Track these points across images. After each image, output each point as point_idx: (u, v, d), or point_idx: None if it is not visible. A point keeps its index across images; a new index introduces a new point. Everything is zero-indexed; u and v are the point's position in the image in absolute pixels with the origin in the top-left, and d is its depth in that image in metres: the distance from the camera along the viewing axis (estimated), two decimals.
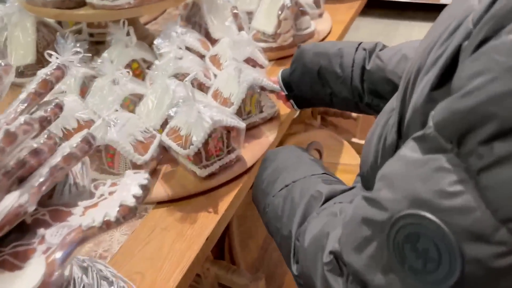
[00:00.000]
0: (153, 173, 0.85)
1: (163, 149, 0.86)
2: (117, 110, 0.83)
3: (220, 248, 1.14)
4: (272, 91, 0.94)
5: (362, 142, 1.48)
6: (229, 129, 0.82)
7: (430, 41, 0.45)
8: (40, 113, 0.47)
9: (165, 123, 0.87)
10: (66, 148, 0.42)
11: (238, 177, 0.85)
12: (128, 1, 0.97)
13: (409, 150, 0.38)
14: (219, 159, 0.83)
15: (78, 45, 0.97)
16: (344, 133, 1.71)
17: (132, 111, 0.92)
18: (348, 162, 1.38)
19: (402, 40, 3.52)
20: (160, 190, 0.81)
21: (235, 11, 1.18)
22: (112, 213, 0.40)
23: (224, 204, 0.80)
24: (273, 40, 1.20)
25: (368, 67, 0.79)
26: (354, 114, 1.50)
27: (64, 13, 1.00)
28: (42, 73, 0.50)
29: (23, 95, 0.48)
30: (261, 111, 0.95)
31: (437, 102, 0.37)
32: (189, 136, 0.79)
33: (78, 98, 0.88)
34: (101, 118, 0.76)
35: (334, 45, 0.85)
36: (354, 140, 1.46)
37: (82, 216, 0.41)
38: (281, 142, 1.40)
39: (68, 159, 0.41)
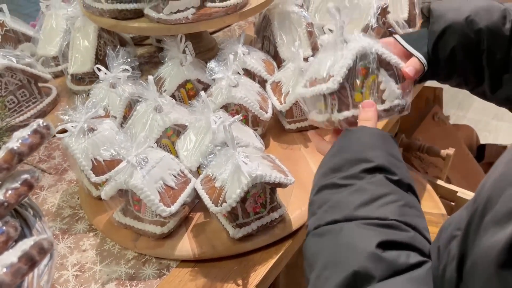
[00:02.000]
0: (184, 221, 0.74)
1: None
2: (151, 147, 0.73)
3: None
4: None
5: (449, 186, 1.25)
6: (274, 184, 0.68)
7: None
8: None
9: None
10: None
11: (280, 242, 0.71)
12: (186, 16, 0.86)
13: None
14: (258, 218, 0.70)
15: (129, 60, 0.90)
16: (431, 167, 1.48)
17: (175, 142, 0.81)
18: (428, 211, 1.17)
19: None
20: (186, 246, 0.70)
21: (309, 29, 1.02)
22: None
23: (257, 275, 0.67)
24: None
25: None
26: (443, 152, 1.27)
27: (119, 24, 0.92)
28: (15, 138, 0.40)
29: None
30: None
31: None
32: (223, 189, 0.66)
33: (115, 125, 0.79)
34: (125, 160, 0.67)
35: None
36: (439, 182, 1.24)
37: None
38: None
39: None
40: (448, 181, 1.47)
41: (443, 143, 1.46)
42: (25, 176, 0.39)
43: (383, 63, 0.63)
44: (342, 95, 0.62)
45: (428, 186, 1.20)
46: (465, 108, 2.50)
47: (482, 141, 1.91)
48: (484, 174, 1.63)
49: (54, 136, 0.77)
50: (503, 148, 1.73)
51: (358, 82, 0.62)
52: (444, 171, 1.29)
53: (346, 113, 0.62)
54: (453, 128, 1.60)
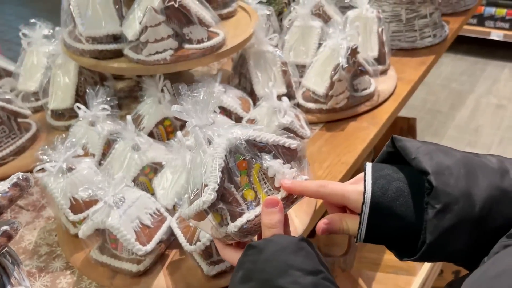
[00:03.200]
0: (160, 258, 0.76)
1: None
2: (128, 186, 0.75)
3: None
4: None
5: None
6: None
7: None
8: None
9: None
10: None
11: None
12: (164, 57, 0.90)
13: None
14: None
15: (108, 99, 0.93)
16: None
17: (152, 179, 0.84)
18: None
19: (488, 82, 3.20)
20: (162, 284, 0.72)
21: (284, 67, 1.07)
22: None
23: None
24: (324, 101, 1.08)
25: None
26: None
27: (100, 64, 0.95)
28: None
29: None
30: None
31: None
32: (197, 228, 0.69)
33: (93, 164, 0.82)
34: (103, 200, 0.69)
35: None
36: None
37: None
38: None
39: None
40: None
41: None
42: (5, 227, 0.41)
43: (261, 148, 0.55)
44: (229, 200, 0.53)
45: None
46: (440, 136, 2.59)
47: None
48: None
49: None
50: None
51: (241, 178, 0.53)
52: None
53: (240, 221, 0.52)
54: None
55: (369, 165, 0.51)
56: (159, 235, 0.72)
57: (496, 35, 3.14)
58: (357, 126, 1.07)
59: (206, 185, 0.51)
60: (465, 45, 3.29)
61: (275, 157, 0.55)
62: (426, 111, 2.82)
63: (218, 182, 0.51)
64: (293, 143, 0.56)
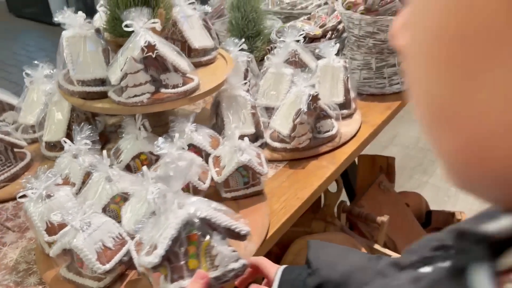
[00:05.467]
0: (120, 277, 0.86)
1: None
2: (96, 212, 0.86)
3: None
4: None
5: (384, 250, 1.37)
6: None
7: None
8: None
9: None
10: None
11: None
12: (141, 100, 1.03)
13: None
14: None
15: (90, 134, 1.05)
16: (375, 231, 1.61)
17: (122, 207, 0.95)
18: None
19: None
20: None
21: (253, 110, 1.19)
22: None
23: None
24: (288, 141, 1.18)
25: None
26: (378, 219, 1.41)
27: (86, 104, 1.08)
28: None
29: None
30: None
31: None
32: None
33: (70, 192, 0.93)
34: (69, 224, 0.80)
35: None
36: (376, 247, 1.36)
37: None
38: (294, 238, 1.35)
39: None
40: (394, 245, 1.59)
41: (389, 209, 1.59)
42: None
43: (216, 227, 0.64)
44: (175, 263, 0.62)
45: (363, 250, 1.32)
46: (429, 174, 2.66)
47: (441, 206, 2.05)
48: None
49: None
50: (451, 215, 1.86)
51: (191, 248, 0.62)
52: (380, 236, 1.41)
53: (176, 285, 0.61)
54: (399, 196, 1.74)
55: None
56: (118, 256, 0.83)
57: None
58: (317, 164, 1.17)
59: (155, 248, 0.62)
60: None
61: (223, 239, 0.65)
62: (418, 149, 2.90)
63: (166, 249, 0.61)
64: (243, 230, 0.66)
